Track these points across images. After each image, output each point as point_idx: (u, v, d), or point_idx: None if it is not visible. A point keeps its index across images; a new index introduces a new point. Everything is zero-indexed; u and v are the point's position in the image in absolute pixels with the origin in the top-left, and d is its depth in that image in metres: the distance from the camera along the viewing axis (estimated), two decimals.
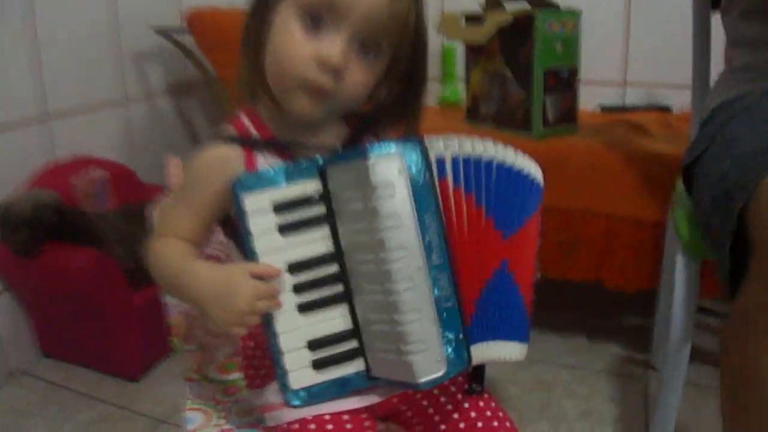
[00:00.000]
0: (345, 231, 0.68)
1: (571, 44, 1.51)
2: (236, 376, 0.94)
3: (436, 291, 0.65)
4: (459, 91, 2.05)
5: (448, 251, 0.66)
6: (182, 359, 0.94)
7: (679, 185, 1.20)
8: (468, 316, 0.67)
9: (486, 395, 0.78)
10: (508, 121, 1.59)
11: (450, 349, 0.65)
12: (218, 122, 2.30)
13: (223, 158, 0.72)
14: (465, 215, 0.67)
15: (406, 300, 0.64)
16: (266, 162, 0.73)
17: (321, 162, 0.69)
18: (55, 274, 1.48)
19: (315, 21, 0.67)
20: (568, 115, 1.56)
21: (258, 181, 0.68)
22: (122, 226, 1.66)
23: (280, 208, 0.68)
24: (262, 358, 0.82)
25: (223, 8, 2.16)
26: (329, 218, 0.69)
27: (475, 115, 1.70)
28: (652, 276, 1.46)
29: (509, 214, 0.72)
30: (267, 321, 0.68)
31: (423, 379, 0.65)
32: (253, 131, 0.75)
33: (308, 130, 0.75)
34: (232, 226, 0.75)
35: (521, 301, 0.74)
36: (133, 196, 1.83)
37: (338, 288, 0.70)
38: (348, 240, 0.68)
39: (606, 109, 1.94)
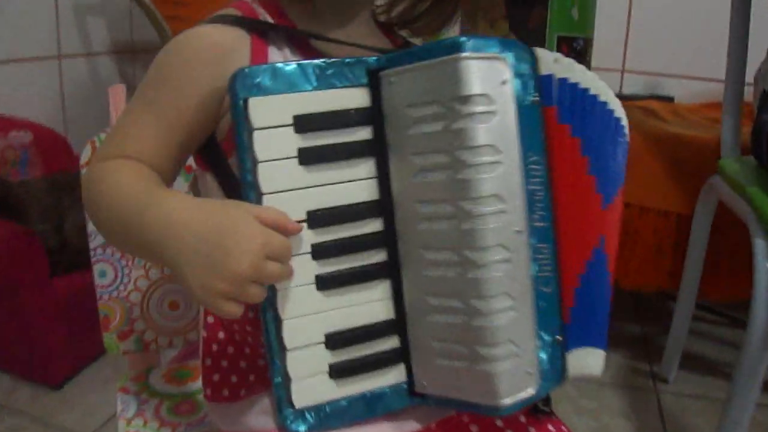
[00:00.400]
0: (401, 168, 0.46)
1: (588, 11, 1.34)
2: (192, 387, 0.69)
3: (535, 268, 0.44)
4: None
5: (553, 213, 0.45)
6: (116, 362, 0.69)
7: (730, 166, 1.05)
8: (566, 310, 0.47)
9: (555, 417, 0.56)
10: None
11: (545, 357, 0.45)
12: None
13: (219, 45, 0.49)
14: (569, 164, 0.47)
15: (496, 277, 0.43)
16: (282, 58, 0.50)
17: (374, 62, 0.46)
18: None
19: None
20: None
21: (275, 80, 0.43)
22: (47, 199, 1.43)
23: (304, 124, 0.44)
24: (239, 357, 0.55)
25: None
26: (376, 147, 0.46)
27: None
28: (671, 276, 1.30)
29: (611, 175, 0.51)
30: (267, 297, 0.43)
31: (507, 400, 0.43)
32: (266, 15, 0.52)
33: (346, 28, 0.53)
34: (216, 153, 0.51)
35: (609, 295, 0.54)
36: (62, 165, 1.58)
37: (380, 255, 0.47)
38: (404, 182, 0.46)
39: None
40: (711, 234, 1.23)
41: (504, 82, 0.42)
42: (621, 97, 1.70)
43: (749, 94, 1.17)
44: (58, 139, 1.63)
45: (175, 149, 0.50)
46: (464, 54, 0.41)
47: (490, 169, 0.41)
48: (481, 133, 0.41)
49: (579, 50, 1.35)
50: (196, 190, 0.56)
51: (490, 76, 0.42)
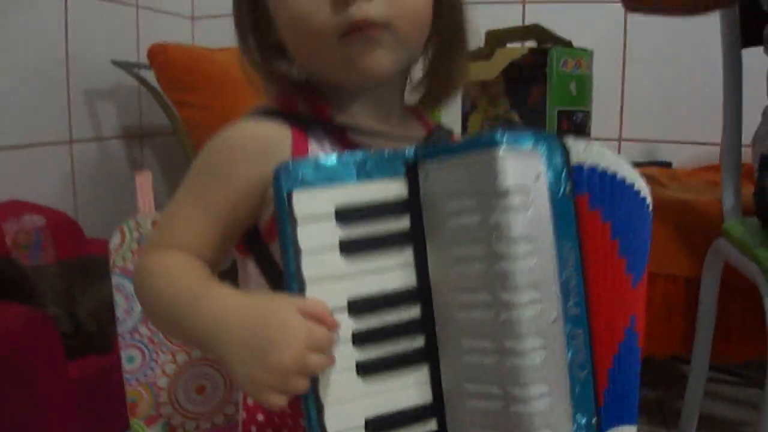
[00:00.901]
0: (439, 257, 0.47)
1: (585, 85, 1.40)
2: None
3: (570, 354, 0.45)
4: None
5: (587, 298, 0.47)
6: None
7: (735, 229, 1.07)
8: (601, 392, 0.47)
9: None
10: None
11: None
12: (175, 176, 2.08)
13: (261, 139, 0.52)
14: (600, 250, 0.49)
15: (533, 365, 0.44)
16: (321, 150, 0.53)
17: (411, 154, 0.48)
18: None
19: None
20: None
21: (317, 174, 0.45)
22: (60, 283, 1.44)
23: (346, 216, 0.46)
24: None
25: (190, 46, 2.00)
26: (416, 237, 0.48)
27: None
28: (683, 340, 1.30)
29: (639, 255, 0.54)
30: (309, 386, 0.45)
31: None
32: (305, 108, 0.55)
33: (379, 116, 0.55)
34: (259, 242, 0.53)
35: (639, 370, 0.56)
36: (73, 250, 1.60)
37: (419, 342, 0.48)
38: (442, 271, 0.47)
39: None
40: (720, 295, 1.24)
41: (538, 176, 0.44)
42: None
43: (746, 155, 1.20)
44: (70, 223, 1.65)
45: (221, 240, 0.52)
46: (501, 151, 0.43)
47: (526, 260, 0.43)
48: (517, 226, 0.43)
49: (578, 123, 1.40)
50: None
51: (525, 171, 0.44)
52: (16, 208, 1.54)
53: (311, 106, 0.55)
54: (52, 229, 1.57)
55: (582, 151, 0.48)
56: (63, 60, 1.77)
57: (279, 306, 0.44)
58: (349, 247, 0.46)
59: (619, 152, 1.93)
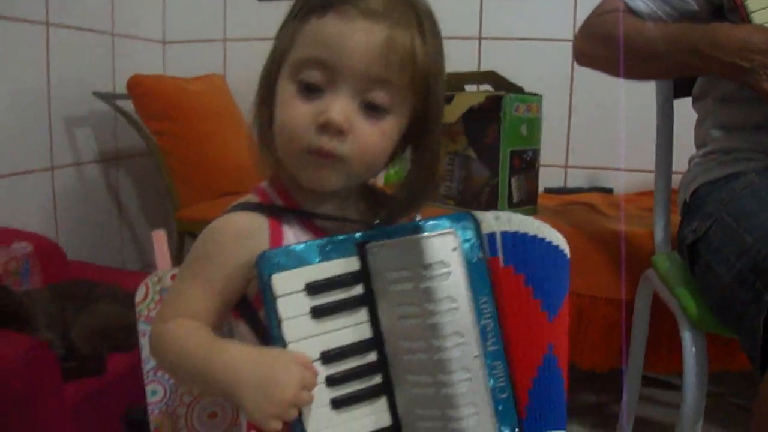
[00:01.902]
0: (386, 315, 0.61)
1: (535, 126, 1.54)
2: None
3: (491, 381, 0.59)
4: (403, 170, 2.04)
5: (503, 337, 0.60)
6: None
7: (662, 264, 1.23)
8: (522, 407, 0.61)
9: None
10: (472, 201, 1.58)
11: None
12: (150, 195, 2.20)
13: (245, 229, 0.64)
14: (515, 297, 0.62)
15: (462, 393, 0.57)
16: (294, 235, 0.66)
17: (360, 237, 0.62)
18: None
19: (311, 87, 0.63)
20: (530, 196, 1.58)
21: (288, 259, 0.59)
22: (52, 309, 1.49)
23: (313, 289, 0.60)
24: None
25: (166, 77, 2.10)
26: (368, 300, 0.62)
27: (434, 195, 1.68)
28: (621, 355, 1.46)
29: (553, 294, 0.67)
30: (297, 419, 0.58)
31: None
32: (278, 201, 0.68)
33: (336, 204, 0.68)
34: (248, 308, 0.66)
35: (563, 386, 0.70)
36: (58, 274, 1.67)
37: (377, 379, 0.62)
38: (389, 325, 0.61)
39: (550, 191, 1.99)
40: (651, 316, 1.38)
41: (454, 249, 0.58)
42: (566, 190, 1.93)
43: (677, 182, 1.31)
44: (55, 249, 1.71)
45: (219, 308, 0.65)
46: (425, 234, 0.57)
47: (449, 314, 0.57)
48: (441, 289, 0.57)
49: (528, 160, 1.54)
50: None
51: (444, 247, 0.57)
52: (4, 235, 1.60)
53: (283, 199, 0.68)
54: (39, 255, 1.63)
55: (493, 221, 0.61)
56: (45, 90, 1.84)
57: (279, 356, 0.58)
58: (317, 312, 0.59)
59: (565, 179, 2.11)
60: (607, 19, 1.15)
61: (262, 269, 0.58)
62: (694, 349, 1.04)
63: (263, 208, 0.66)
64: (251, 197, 0.69)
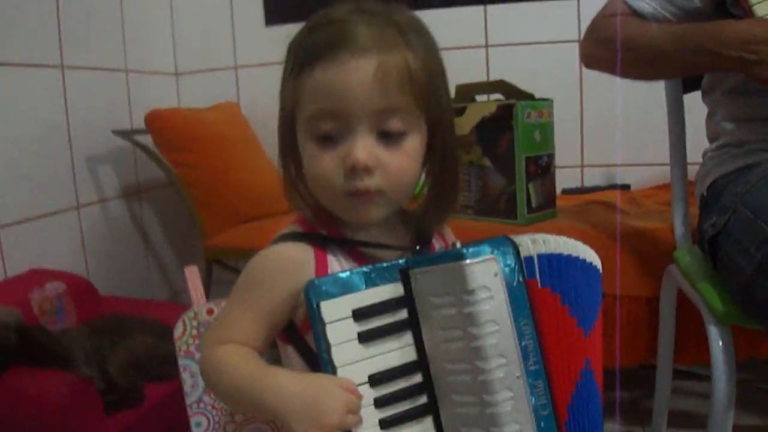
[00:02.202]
0: (430, 338, 0.63)
1: (547, 131, 1.56)
2: None
3: (533, 399, 0.61)
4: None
5: (543, 356, 0.62)
6: None
7: (683, 259, 1.24)
8: (562, 423, 0.63)
9: None
10: (491, 210, 1.60)
11: None
12: (174, 225, 2.23)
13: (292, 259, 0.67)
14: (553, 316, 0.65)
15: (506, 412, 0.60)
16: (338, 263, 0.68)
17: (403, 263, 0.64)
18: (22, 403, 1.33)
19: (326, 137, 0.65)
20: (549, 199, 1.59)
21: (335, 286, 0.62)
22: (88, 344, 1.53)
23: (360, 315, 0.62)
24: None
25: (183, 109, 2.14)
26: (412, 324, 0.64)
27: None
28: (648, 350, 1.47)
29: (588, 311, 0.69)
30: None
31: None
32: (322, 230, 0.70)
33: (378, 230, 0.71)
34: (295, 333, 0.69)
35: (599, 398, 0.72)
36: (91, 310, 1.71)
37: (422, 399, 0.64)
38: (433, 347, 0.63)
39: (568, 192, 2.00)
40: (678, 309, 1.40)
41: (496, 274, 0.60)
42: (583, 190, 1.94)
43: (692, 174, 1.33)
44: (87, 286, 1.76)
45: (266, 334, 0.68)
46: (467, 261, 0.59)
47: (492, 337, 0.59)
48: (483, 314, 0.59)
49: (544, 165, 1.56)
50: None
51: (485, 273, 0.60)
52: (37, 276, 1.64)
53: (326, 228, 0.71)
54: (72, 293, 1.68)
55: (531, 245, 0.64)
56: (65, 131, 1.89)
57: (325, 382, 0.61)
58: (364, 337, 0.62)
59: (582, 178, 2.11)
60: (611, 22, 1.17)
61: (310, 297, 0.61)
62: (721, 343, 1.05)
63: (309, 237, 0.69)
64: (295, 227, 0.71)
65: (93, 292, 1.78)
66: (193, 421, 0.84)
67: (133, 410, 1.42)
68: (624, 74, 1.17)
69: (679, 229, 1.34)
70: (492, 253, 0.61)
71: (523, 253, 0.63)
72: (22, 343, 1.38)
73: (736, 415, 1.07)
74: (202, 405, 0.84)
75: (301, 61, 0.65)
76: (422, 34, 0.68)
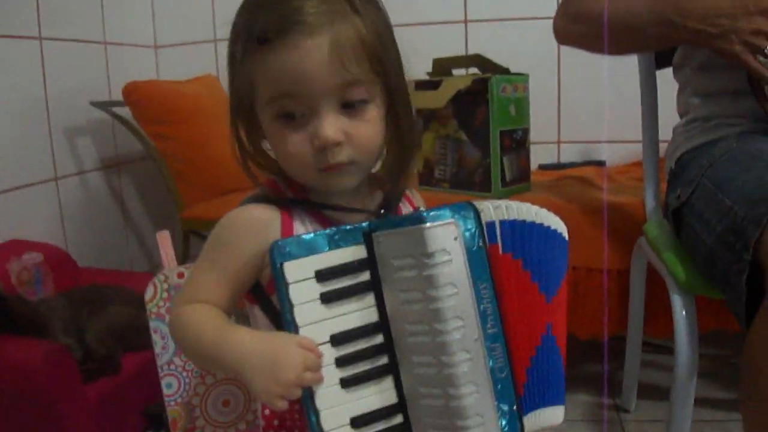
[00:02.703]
0: (391, 300, 0.65)
1: (523, 106, 1.57)
2: None
3: (491, 362, 0.63)
4: None
5: (502, 319, 0.64)
6: None
7: (651, 231, 1.26)
8: (520, 386, 0.66)
9: None
10: (466, 183, 1.62)
11: (504, 422, 0.63)
12: (153, 197, 2.23)
13: (258, 220, 0.69)
14: (514, 281, 0.66)
15: (463, 373, 0.61)
16: (303, 226, 0.70)
17: (366, 226, 0.66)
18: (0, 370, 1.34)
19: (291, 116, 0.66)
20: (523, 173, 1.62)
21: (299, 248, 0.63)
22: (65, 314, 1.54)
23: (322, 276, 0.63)
24: None
25: (161, 81, 2.13)
26: (374, 286, 0.66)
27: (429, 180, 1.72)
28: (619, 322, 1.51)
29: (551, 277, 0.71)
30: (307, 397, 0.63)
31: None
32: (289, 193, 0.72)
33: (345, 196, 0.72)
34: (262, 293, 0.70)
35: (561, 363, 0.74)
36: (70, 281, 1.72)
37: (383, 360, 0.66)
38: (394, 309, 0.65)
39: (544, 167, 2.02)
40: (647, 283, 1.43)
41: (455, 238, 0.61)
42: (559, 165, 1.96)
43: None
44: (64, 256, 1.76)
45: (232, 293, 0.70)
46: (427, 224, 0.61)
47: (450, 299, 0.61)
48: (442, 276, 0.60)
49: (519, 139, 1.58)
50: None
51: (445, 236, 0.61)
52: (16, 247, 1.64)
53: (294, 192, 0.72)
54: (50, 264, 1.68)
55: (493, 210, 0.65)
56: (43, 102, 1.88)
57: (283, 340, 0.63)
58: (327, 298, 0.64)
59: (558, 154, 2.14)
60: None
61: (274, 258, 0.62)
62: (684, 312, 1.08)
63: (275, 200, 0.70)
64: (263, 190, 0.73)
65: (71, 263, 1.78)
66: (163, 382, 0.86)
67: (111, 379, 1.44)
68: (595, 49, 1.18)
69: (649, 203, 1.37)
70: (452, 217, 0.62)
71: (485, 219, 0.64)
72: (1, 312, 1.39)
73: (708, 390, 1.11)
74: (172, 366, 0.86)
75: (250, 43, 0.65)
76: None
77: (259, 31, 0.64)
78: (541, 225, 0.71)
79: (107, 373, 1.44)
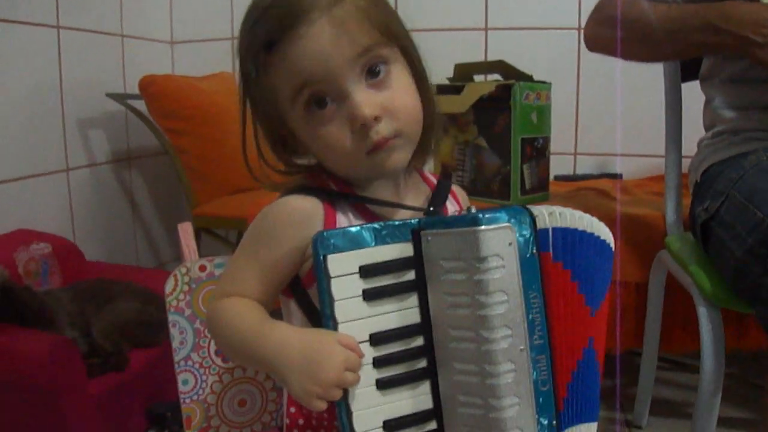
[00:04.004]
0: (436, 302, 0.62)
1: (545, 114, 1.56)
2: None
3: (535, 374, 0.60)
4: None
5: (549, 331, 0.62)
6: None
7: (674, 244, 1.24)
8: (561, 400, 0.63)
9: None
10: (484, 190, 1.60)
11: None
12: (163, 193, 2.21)
13: (301, 212, 0.66)
14: (561, 291, 0.64)
15: (507, 384, 0.59)
16: (347, 219, 0.67)
17: (416, 223, 0.63)
18: (5, 360, 1.32)
19: (319, 103, 0.64)
20: (542, 182, 1.60)
21: (344, 240, 0.60)
22: (72, 307, 1.52)
23: (367, 272, 0.60)
24: None
25: (177, 76, 2.11)
26: (419, 286, 0.63)
27: None
28: (636, 336, 1.48)
29: (597, 289, 0.69)
30: (342, 397, 0.60)
31: None
32: (332, 185, 0.69)
33: (389, 191, 0.70)
34: (299, 287, 0.68)
35: (598, 379, 0.71)
36: (77, 274, 1.70)
37: (422, 363, 0.63)
38: (438, 312, 0.62)
39: (560, 178, 2.00)
40: (665, 297, 1.41)
41: (510, 244, 0.59)
42: (575, 177, 1.95)
43: (686, 167, 1.35)
44: (73, 249, 1.74)
45: (272, 287, 0.67)
46: (482, 227, 0.58)
47: (500, 307, 0.58)
48: (494, 282, 0.58)
49: (540, 147, 1.56)
50: None
51: (500, 241, 0.58)
52: (24, 237, 1.62)
53: (336, 184, 0.70)
54: (58, 255, 1.66)
55: (547, 217, 0.62)
56: (57, 92, 1.87)
57: (324, 338, 0.60)
58: (369, 295, 0.61)
59: (575, 166, 2.12)
60: (618, 3, 1.16)
61: (318, 249, 0.59)
62: (710, 324, 1.06)
63: (318, 192, 0.68)
64: (305, 181, 0.70)
65: (79, 255, 1.76)
66: (180, 378, 0.83)
67: (116, 374, 1.42)
68: (626, 54, 1.17)
69: (671, 216, 1.35)
70: (509, 221, 0.59)
71: (539, 225, 0.62)
72: (7, 302, 1.37)
73: (724, 409, 1.08)
74: (189, 362, 0.83)
75: (259, 54, 0.64)
76: None
77: (263, 39, 0.63)
78: (591, 234, 0.68)
79: (112, 369, 1.42)
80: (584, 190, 1.75)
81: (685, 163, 1.34)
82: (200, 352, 0.83)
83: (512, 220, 0.59)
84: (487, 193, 1.59)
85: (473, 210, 0.61)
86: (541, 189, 1.59)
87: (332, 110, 0.64)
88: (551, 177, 1.93)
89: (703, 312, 1.06)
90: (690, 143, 1.34)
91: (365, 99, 0.63)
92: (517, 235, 0.59)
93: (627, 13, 1.12)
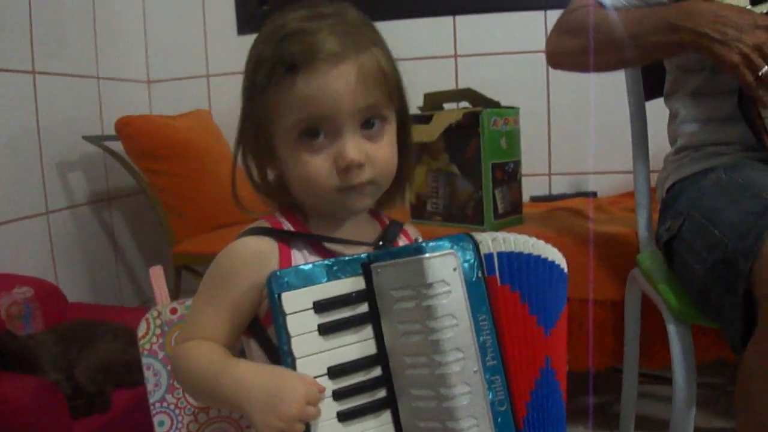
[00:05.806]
0: (390, 332, 0.65)
1: (514, 139, 1.59)
2: None
3: (491, 395, 0.62)
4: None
5: (501, 352, 0.64)
6: None
7: (645, 262, 1.26)
8: (521, 419, 0.65)
9: None
10: (459, 216, 1.62)
11: None
12: (144, 232, 2.21)
13: (256, 252, 0.69)
14: (512, 313, 0.66)
15: (463, 405, 0.61)
16: (302, 257, 0.70)
17: (365, 257, 0.66)
18: None
19: (312, 134, 0.67)
20: (515, 206, 1.62)
21: (297, 278, 0.63)
22: (55, 349, 1.52)
23: (321, 307, 0.63)
24: None
25: (153, 116, 2.13)
26: (372, 318, 0.65)
27: (421, 213, 1.72)
28: (615, 353, 1.50)
29: (550, 309, 0.71)
30: (305, 431, 0.62)
31: None
32: (288, 225, 0.72)
33: (345, 228, 0.73)
34: (258, 326, 0.70)
35: (561, 397, 0.73)
36: (60, 316, 1.70)
37: (381, 393, 0.65)
38: (393, 341, 0.64)
39: (536, 199, 2.03)
40: (642, 313, 1.42)
41: (455, 269, 0.61)
42: (551, 197, 1.97)
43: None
44: (55, 291, 1.74)
45: (232, 328, 0.70)
46: (426, 255, 0.61)
47: (450, 331, 0.60)
48: (441, 307, 0.60)
49: (510, 171, 1.58)
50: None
51: (444, 267, 0.61)
52: (5, 281, 1.63)
53: (293, 225, 0.72)
54: (40, 299, 1.66)
55: (491, 242, 0.65)
56: (35, 136, 1.88)
57: (285, 373, 0.62)
58: (325, 330, 0.63)
59: (550, 186, 2.15)
60: (578, 14, 1.19)
61: (272, 288, 0.62)
62: (680, 342, 1.07)
63: (273, 232, 0.71)
64: (262, 222, 0.73)
65: (61, 297, 1.76)
66: (156, 420, 0.84)
67: (100, 416, 1.41)
68: (588, 64, 1.16)
69: (642, 233, 1.37)
70: (451, 248, 0.62)
71: (483, 250, 0.64)
72: None
73: (707, 419, 1.09)
74: (165, 404, 0.85)
75: (278, 71, 0.67)
76: (374, 27, 0.72)
77: (288, 59, 0.66)
78: (538, 257, 0.70)
79: (96, 410, 1.42)
80: (558, 211, 1.78)
81: (654, 177, 1.36)
82: (175, 393, 0.85)
83: (455, 247, 0.62)
84: (462, 219, 1.61)
85: (420, 241, 0.64)
86: (514, 212, 1.62)
87: (322, 143, 0.68)
88: (527, 198, 1.97)
89: (672, 329, 1.08)
90: (659, 158, 1.36)
91: (356, 145, 0.67)
92: (461, 260, 0.62)
93: (587, 21, 1.13)
